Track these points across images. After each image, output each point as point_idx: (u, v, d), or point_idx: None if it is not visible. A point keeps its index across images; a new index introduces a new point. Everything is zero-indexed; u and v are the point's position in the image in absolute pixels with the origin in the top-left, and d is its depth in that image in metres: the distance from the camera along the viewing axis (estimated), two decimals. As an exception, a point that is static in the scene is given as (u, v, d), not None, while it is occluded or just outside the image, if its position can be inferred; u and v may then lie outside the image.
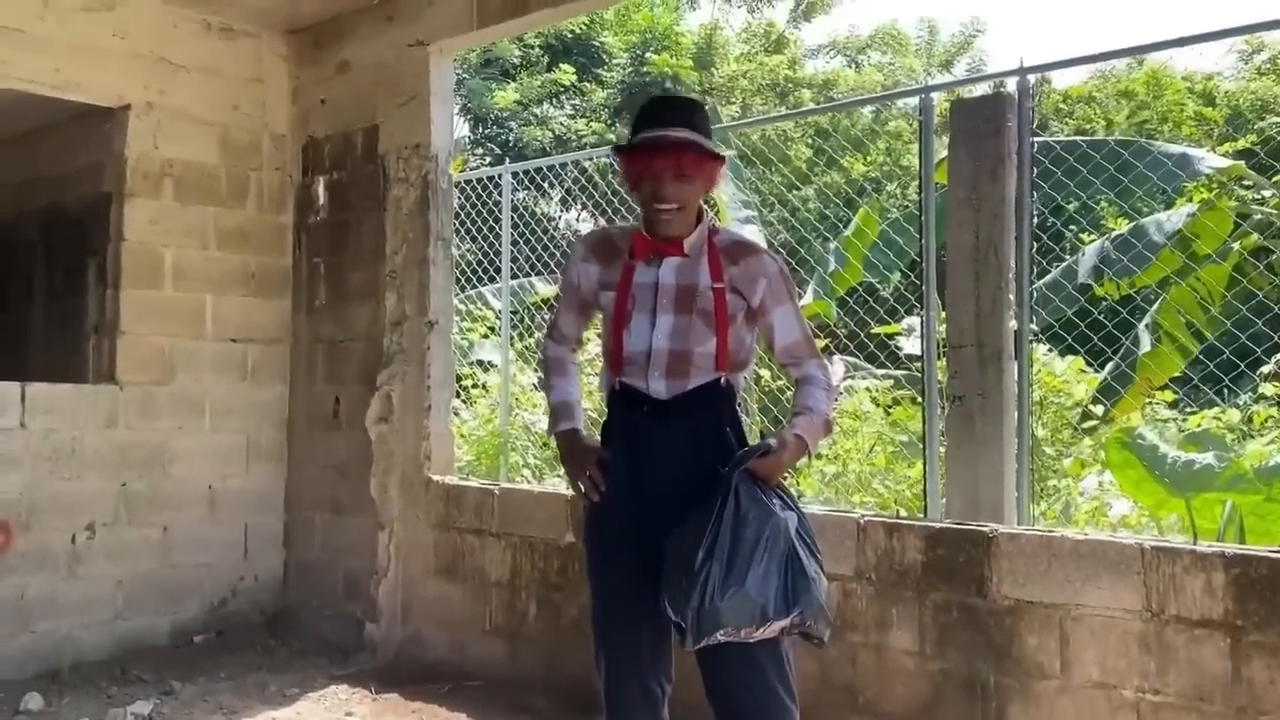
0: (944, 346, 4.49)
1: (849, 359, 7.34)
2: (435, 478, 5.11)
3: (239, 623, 5.55)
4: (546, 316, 7.63)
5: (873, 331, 6.48)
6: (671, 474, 2.59)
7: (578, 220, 15.67)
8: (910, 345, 6.54)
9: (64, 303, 6.12)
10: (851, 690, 3.73)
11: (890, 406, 6.22)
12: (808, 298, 7.63)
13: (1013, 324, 4.37)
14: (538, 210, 14.49)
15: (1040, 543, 3.35)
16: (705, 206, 2.71)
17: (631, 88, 14.32)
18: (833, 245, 7.28)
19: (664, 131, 2.52)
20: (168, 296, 5.37)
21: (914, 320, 6.45)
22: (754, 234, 7.88)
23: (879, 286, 7.12)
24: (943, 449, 4.66)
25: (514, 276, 6.95)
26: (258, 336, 5.70)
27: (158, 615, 5.30)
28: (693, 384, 2.58)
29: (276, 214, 5.79)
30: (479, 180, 6.62)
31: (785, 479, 2.71)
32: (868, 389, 6.24)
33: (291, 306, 5.80)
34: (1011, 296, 4.33)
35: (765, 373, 6.37)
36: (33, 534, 4.89)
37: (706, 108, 2.82)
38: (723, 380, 2.61)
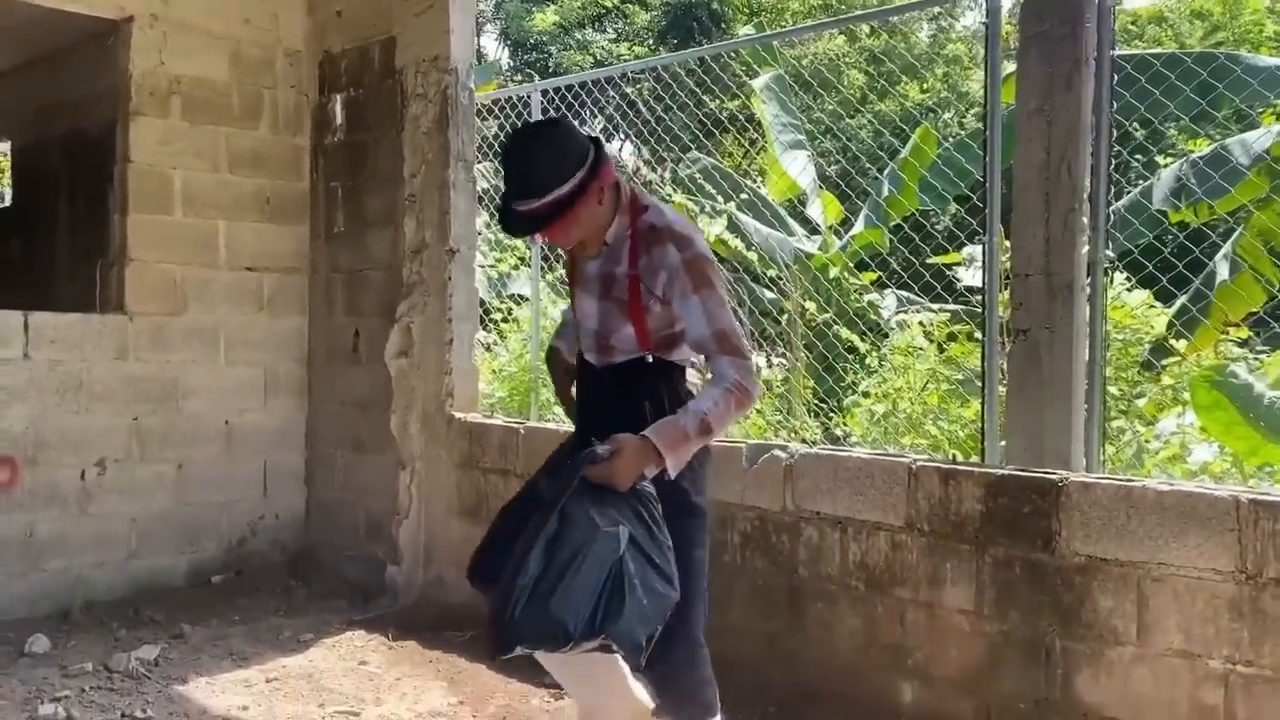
0: (1008, 277, 4.09)
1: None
2: (458, 415, 4.83)
3: (259, 562, 5.35)
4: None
5: (929, 261, 6.03)
6: (595, 432, 2.51)
7: (620, 151, 15.20)
8: (970, 276, 6.10)
9: (87, 232, 5.89)
10: (899, 651, 3.40)
11: (946, 342, 5.81)
12: (859, 225, 7.20)
13: (1085, 251, 3.95)
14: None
15: (1118, 493, 2.98)
16: (626, 186, 2.59)
17: (676, 10, 13.74)
18: (888, 169, 6.81)
19: (516, 210, 2.47)
20: (178, 222, 5.09)
21: (974, 249, 6.00)
22: (801, 161, 7.44)
23: (937, 213, 6.66)
24: (1003, 389, 4.27)
25: None
26: (274, 265, 5.41)
27: (174, 554, 5.11)
28: (618, 360, 2.64)
29: (292, 135, 5.46)
30: (508, 100, 6.22)
31: (645, 481, 2.41)
32: (921, 323, 5.82)
33: (309, 233, 5.50)
34: (1085, 220, 3.90)
35: (811, 305, 5.98)
36: (40, 470, 4.69)
37: (557, 128, 2.53)
38: (649, 358, 2.61)
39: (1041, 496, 3.11)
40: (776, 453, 3.74)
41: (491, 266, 6.77)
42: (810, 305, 5.99)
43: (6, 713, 3.51)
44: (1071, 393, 3.97)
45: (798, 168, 7.26)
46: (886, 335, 6.46)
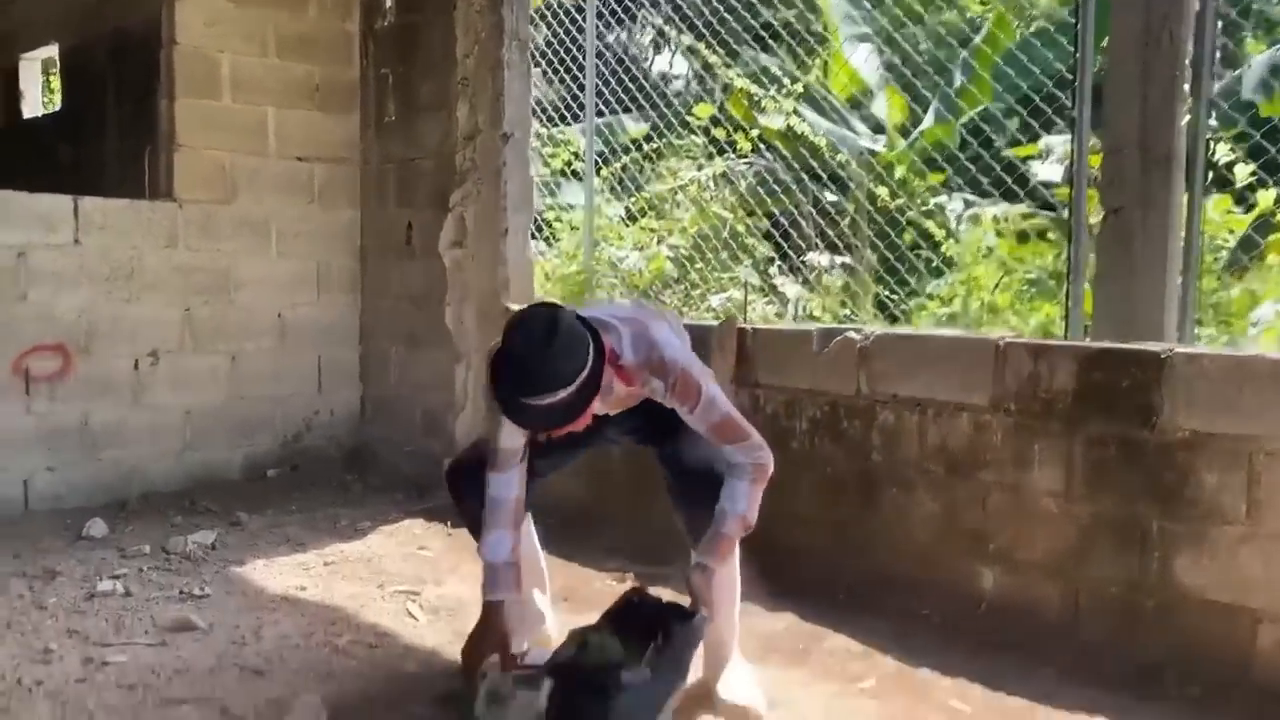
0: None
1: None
2: (513, 308, 4.67)
3: (314, 458, 5.30)
4: (634, 156, 7.05)
5: (1003, 153, 5.75)
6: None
7: (670, 66, 14.79)
8: (1047, 171, 5.81)
9: (135, 135, 5.77)
10: (980, 536, 3.24)
11: (1019, 239, 5.56)
12: (928, 119, 6.90)
13: (1185, 122, 3.69)
14: (629, 52, 13.70)
15: (1229, 364, 2.76)
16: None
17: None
18: (960, 58, 6.49)
19: (536, 403, 2.27)
20: (226, 107, 4.95)
21: (1053, 139, 5.70)
22: (871, 60, 7.14)
23: (1011, 106, 6.35)
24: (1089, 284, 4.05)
25: (600, 115, 6.36)
26: (325, 155, 5.27)
27: (229, 448, 5.06)
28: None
29: (342, 20, 5.28)
30: (563, 8, 5.98)
31: None
32: (995, 218, 5.57)
33: (360, 123, 5.34)
34: (1186, 88, 3.64)
35: (883, 190, 5.73)
36: (93, 359, 4.64)
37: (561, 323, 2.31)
38: None
39: (1143, 370, 2.90)
40: (850, 334, 3.56)
41: (545, 163, 6.56)
42: (881, 193, 5.72)
43: (65, 588, 3.47)
44: (1166, 275, 3.74)
45: (862, 59, 6.95)
46: (955, 239, 6.20)
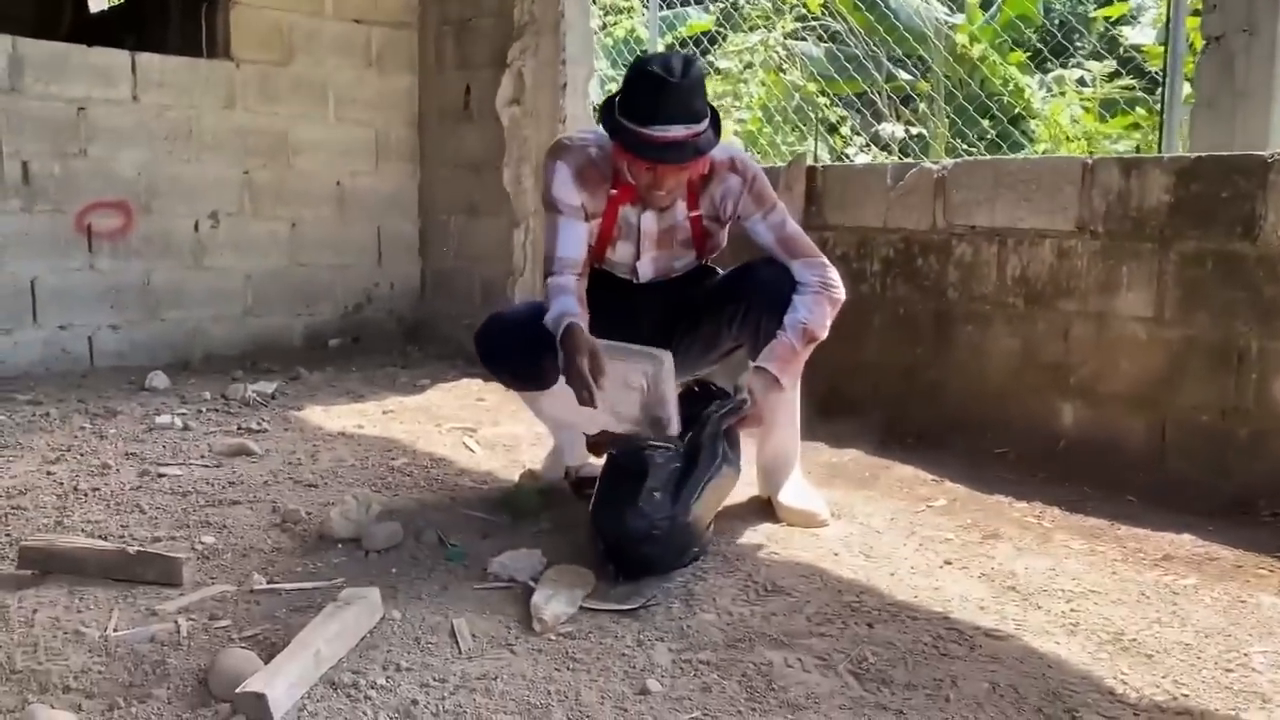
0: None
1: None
2: (574, 166, 4.54)
3: (375, 330, 5.27)
4: (698, 46, 6.82)
5: (1091, 16, 5.42)
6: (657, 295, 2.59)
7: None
8: (1138, 34, 5.47)
9: (195, 17, 5.69)
10: (1060, 369, 3.07)
11: (1107, 110, 5.26)
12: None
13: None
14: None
15: (1342, 164, 2.54)
16: None
17: None
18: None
19: (668, 135, 2.20)
20: (282, -35, 4.85)
21: (1143, -3, 5.36)
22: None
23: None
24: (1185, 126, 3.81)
25: (664, 7, 6.15)
26: (382, 18, 5.15)
27: (290, 315, 5.04)
28: (676, 274, 2.61)
29: (397, -124, 5.12)
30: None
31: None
32: (1079, 85, 5.27)
33: (417, -17, 5.20)
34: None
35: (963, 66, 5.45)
36: (154, 218, 4.62)
37: (698, 66, 2.28)
38: (705, 262, 2.64)
39: (1246, 177, 2.69)
40: (927, 165, 3.37)
41: (606, 33, 6.38)
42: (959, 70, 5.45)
43: (125, 423, 3.47)
44: (1271, 105, 3.48)
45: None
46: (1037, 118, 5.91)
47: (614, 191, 2.42)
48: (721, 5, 6.42)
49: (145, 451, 3.10)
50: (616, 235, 2.48)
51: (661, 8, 6.11)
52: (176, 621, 1.86)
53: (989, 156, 3.40)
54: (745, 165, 2.45)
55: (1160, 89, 3.94)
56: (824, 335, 2.38)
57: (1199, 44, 3.57)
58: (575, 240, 2.42)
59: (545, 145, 4.60)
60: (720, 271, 2.62)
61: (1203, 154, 2.81)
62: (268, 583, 2.04)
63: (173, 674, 1.67)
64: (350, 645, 1.75)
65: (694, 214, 2.49)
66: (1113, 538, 2.40)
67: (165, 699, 1.60)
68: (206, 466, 2.96)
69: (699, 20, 8.14)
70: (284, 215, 4.98)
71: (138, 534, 2.34)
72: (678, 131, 2.19)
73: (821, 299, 2.38)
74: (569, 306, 2.31)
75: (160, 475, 2.83)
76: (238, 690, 1.54)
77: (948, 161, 3.36)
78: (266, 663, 1.61)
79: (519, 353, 2.45)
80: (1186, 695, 1.62)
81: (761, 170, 2.51)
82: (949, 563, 2.21)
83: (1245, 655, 1.76)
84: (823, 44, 6.56)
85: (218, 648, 1.73)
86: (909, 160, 3.65)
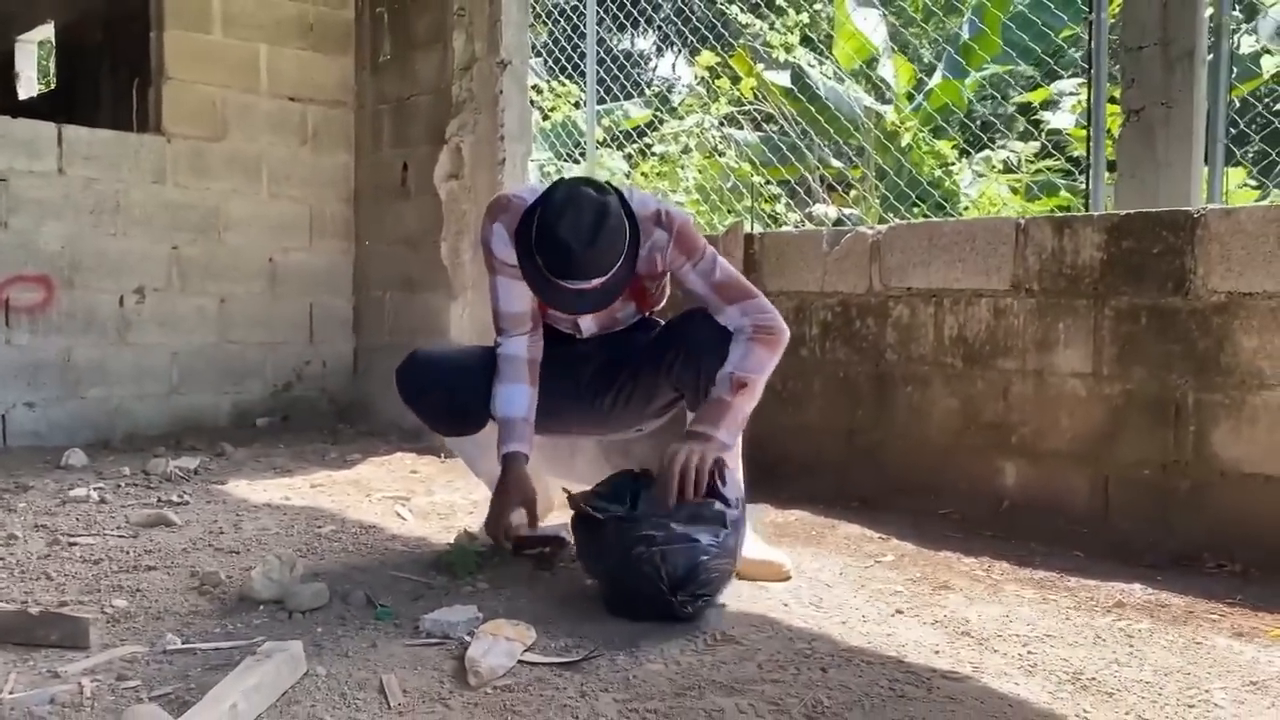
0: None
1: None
2: (511, 240, 4.52)
3: (305, 408, 5.13)
4: (639, 136, 6.93)
5: (1013, 101, 5.61)
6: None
7: (674, 69, 14.77)
8: (1058, 119, 5.67)
9: (128, 104, 5.64)
10: (1001, 428, 3.07)
11: (1032, 181, 5.41)
12: (935, 79, 6.77)
13: (1209, 14, 3.57)
14: (632, 53, 13.66)
15: (1266, 218, 2.60)
16: None
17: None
18: (965, 19, 6.38)
19: (578, 287, 2.22)
20: (217, 42, 4.83)
21: (1063, 83, 5.57)
22: (872, 20, 7.02)
23: (1020, 64, 6.21)
24: (1111, 185, 3.90)
25: (602, 101, 6.26)
26: (318, 97, 5.14)
27: (217, 393, 4.89)
28: (620, 326, 2.59)
29: (336, -41, 5.18)
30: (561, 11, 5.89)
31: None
32: (1005, 167, 5.42)
33: (355, 65, 5.22)
34: (1207, -21, 3.51)
35: (890, 158, 5.59)
36: (77, 293, 4.48)
37: (611, 198, 2.25)
38: (648, 314, 2.64)
39: (1174, 233, 2.74)
40: (862, 230, 3.40)
41: (544, 117, 6.44)
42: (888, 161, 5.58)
43: (37, 497, 3.29)
44: (1190, 175, 3.59)
45: (869, 26, 6.84)
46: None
47: None
48: (657, 93, 6.53)
49: (57, 524, 2.93)
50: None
51: (603, 99, 6.21)
52: (80, 683, 1.71)
53: (923, 220, 3.44)
54: (670, 216, 2.38)
55: (1086, 166, 4.06)
56: (762, 377, 2.30)
57: (1115, 126, 3.70)
58: (518, 296, 2.41)
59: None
60: (661, 322, 2.59)
61: (1132, 211, 2.87)
62: (183, 643, 1.90)
63: (72, 736, 1.53)
64: (270, 701, 1.62)
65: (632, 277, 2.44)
66: (1063, 588, 2.36)
67: (62, 762, 1.46)
68: (122, 536, 2.80)
69: (637, 114, 8.30)
70: (213, 291, 4.87)
71: (42, 599, 2.18)
72: (589, 284, 2.20)
73: (753, 344, 2.30)
74: (516, 409, 2.38)
75: (72, 544, 2.67)
76: (143, 747, 1.41)
77: (882, 226, 3.39)
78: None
79: (443, 391, 2.41)
80: (1152, 730, 1.56)
81: (689, 219, 2.46)
82: (900, 612, 2.14)
83: (1206, 692, 1.71)
84: (757, 132, 6.70)
85: (124, 708, 1.59)
86: (844, 227, 3.68)
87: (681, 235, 2.37)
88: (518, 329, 2.43)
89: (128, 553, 2.59)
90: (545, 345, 2.47)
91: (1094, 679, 1.76)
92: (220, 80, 4.84)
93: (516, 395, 2.39)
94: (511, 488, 2.33)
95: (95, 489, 3.39)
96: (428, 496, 3.37)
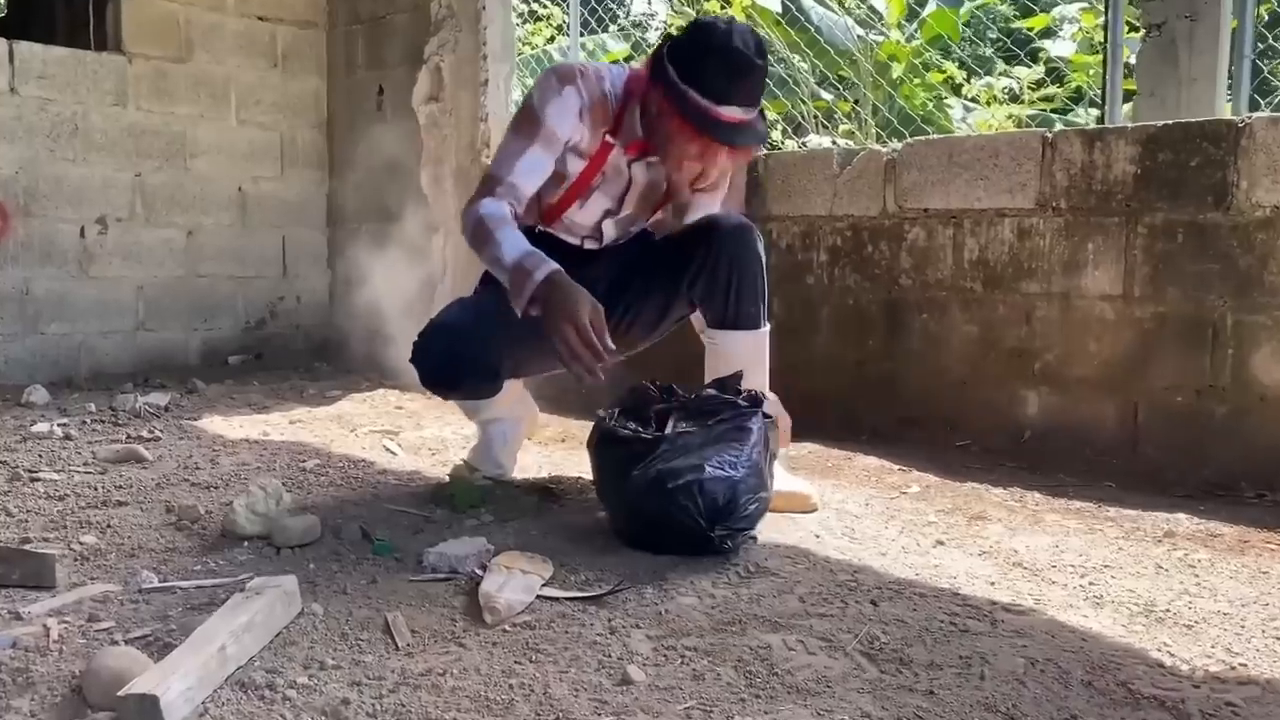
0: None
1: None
2: (496, 167, 4.29)
3: (279, 346, 4.90)
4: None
5: (1013, 26, 5.41)
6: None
7: (649, 2, 14.38)
8: (1059, 47, 5.47)
9: (87, 24, 5.31)
10: (1024, 356, 2.91)
11: (1029, 116, 5.23)
12: (929, 7, 6.55)
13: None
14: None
15: (1317, 125, 2.44)
16: None
17: None
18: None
19: (740, 117, 2.00)
20: (179, -46, 4.53)
21: (1066, 7, 5.37)
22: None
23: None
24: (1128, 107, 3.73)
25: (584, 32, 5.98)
26: (288, 16, 4.85)
27: (186, 330, 4.65)
28: (623, 241, 2.38)
29: None
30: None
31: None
32: (1009, 96, 5.23)
33: (326, -21, 4.93)
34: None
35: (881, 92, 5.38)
36: (34, 222, 4.21)
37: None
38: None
39: (1216, 144, 2.57)
40: (876, 148, 3.21)
41: (525, 44, 6.17)
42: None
43: (-4, 434, 3.07)
44: (1216, 90, 3.42)
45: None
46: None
47: (610, 138, 2.16)
48: (635, 23, 6.26)
49: (17, 460, 2.72)
50: (596, 184, 2.22)
51: (581, 33, 5.94)
52: (46, 625, 1.52)
53: (942, 135, 3.26)
54: None
55: (1102, 93, 3.86)
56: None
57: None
58: (537, 174, 2.13)
59: (465, 146, 4.38)
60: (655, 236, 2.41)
61: (1170, 121, 2.70)
62: (160, 581, 1.71)
63: (38, 682, 1.34)
64: (264, 642, 1.44)
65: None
66: (1104, 518, 2.22)
67: (28, 712, 1.27)
68: (89, 472, 2.59)
69: (616, 49, 8.01)
70: (180, 222, 4.61)
71: (1, 536, 1.99)
72: (749, 115, 2.00)
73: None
74: (525, 244, 2.00)
75: (34, 480, 2.46)
76: (120, 693, 1.22)
77: (898, 144, 3.21)
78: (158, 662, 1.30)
79: (475, 364, 2.18)
80: (1245, 665, 1.42)
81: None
82: (941, 543, 1.99)
83: (1291, 623, 1.57)
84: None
85: (96, 651, 1.41)
86: (855, 146, 3.49)
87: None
88: (511, 200, 2.10)
89: (96, 488, 2.39)
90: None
91: (1168, 611, 1.61)
92: (183, -4, 4.54)
93: (518, 237, 2.02)
94: (578, 291, 1.91)
95: (59, 425, 3.17)
96: (417, 431, 3.19)
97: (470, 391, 2.31)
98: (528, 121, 2.12)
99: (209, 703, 1.27)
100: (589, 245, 2.32)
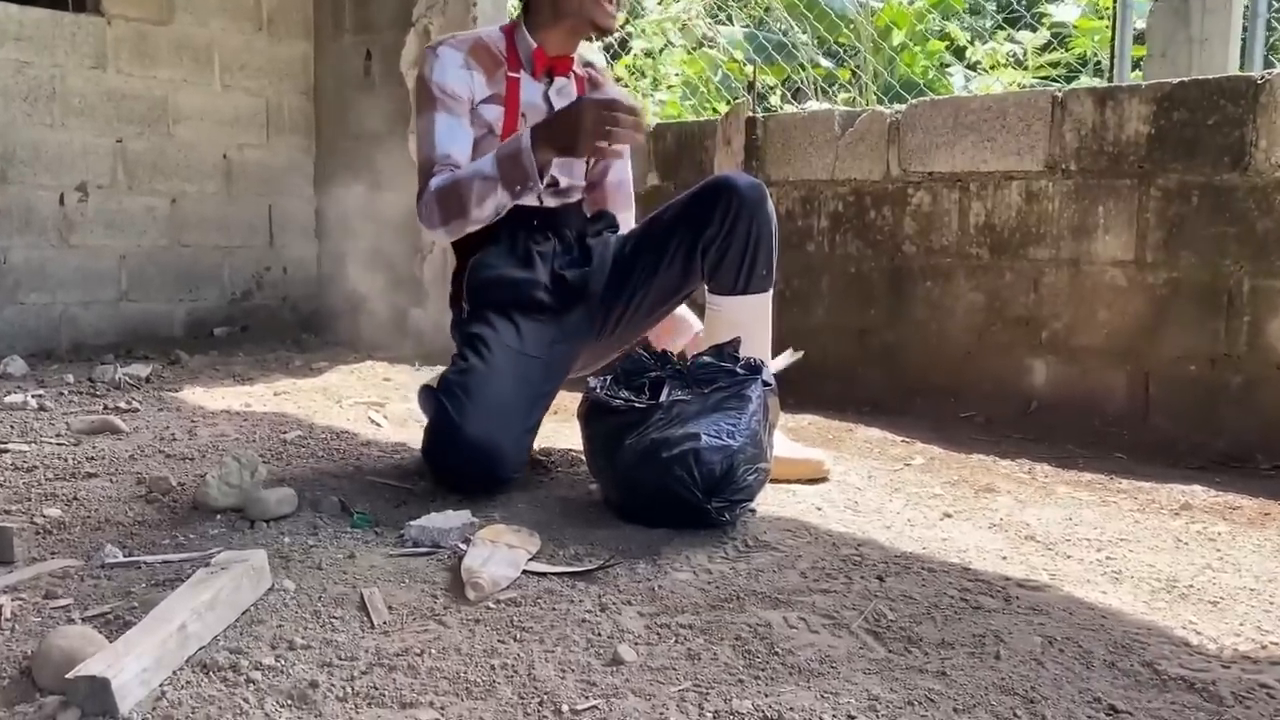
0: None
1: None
2: (487, 133, 4.18)
3: (266, 317, 4.79)
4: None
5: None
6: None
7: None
8: (1063, 11, 5.35)
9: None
10: (1031, 324, 2.82)
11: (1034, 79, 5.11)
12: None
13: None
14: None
15: (1341, 81, 2.34)
16: None
17: None
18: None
19: None
20: (159, -89, 4.38)
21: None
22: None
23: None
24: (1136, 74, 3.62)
25: None
26: (273, -23, 4.72)
27: (170, 300, 4.54)
28: (573, 201, 2.30)
29: None
30: None
31: None
32: (1014, 61, 5.11)
33: (312, -59, 4.79)
34: None
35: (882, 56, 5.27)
36: (11, 189, 4.09)
37: None
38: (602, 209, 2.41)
39: (1234, 102, 2.47)
40: (879, 109, 3.10)
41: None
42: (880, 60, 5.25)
43: (-32, 404, 2.97)
44: (1228, 53, 3.32)
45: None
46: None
47: (512, 72, 2.14)
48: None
49: (-12, 431, 2.62)
50: (520, 125, 2.13)
51: None
52: (0, 601, 1.43)
53: (947, 95, 3.15)
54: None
55: (1111, 55, 3.74)
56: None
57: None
58: (459, 137, 2.09)
59: (456, 110, 4.24)
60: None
61: (1185, 79, 2.59)
62: (124, 555, 1.62)
63: (-14, 663, 1.25)
64: (229, 620, 1.35)
65: None
66: (1118, 490, 2.13)
67: (-28, 695, 1.18)
68: (61, 444, 2.49)
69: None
70: (163, 190, 4.49)
71: (-38, 509, 1.89)
72: None
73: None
74: (487, 157, 2.02)
75: (3, 451, 2.36)
76: (69, 675, 1.13)
77: (901, 105, 3.10)
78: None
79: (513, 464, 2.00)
80: (1277, 643, 1.33)
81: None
82: (949, 515, 1.90)
83: (1322, 599, 1.48)
84: (744, 27, 6.32)
85: (51, 630, 1.31)
86: (857, 108, 3.38)
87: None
88: (448, 169, 2.06)
89: (66, 460, 2.29)
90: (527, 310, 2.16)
91: (1191, 586, 1.53)
92: (164, -45, 4.41)
93: (476, 163, 2.02)
94: (564, 108, 1.97)
95: (34, 396, 3.07)
96: (404, 403, 3.09)
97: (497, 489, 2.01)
98: (423, 97, 2.13)
99: (166, 685, 1.18)
100: (550, 202, 2.21)
